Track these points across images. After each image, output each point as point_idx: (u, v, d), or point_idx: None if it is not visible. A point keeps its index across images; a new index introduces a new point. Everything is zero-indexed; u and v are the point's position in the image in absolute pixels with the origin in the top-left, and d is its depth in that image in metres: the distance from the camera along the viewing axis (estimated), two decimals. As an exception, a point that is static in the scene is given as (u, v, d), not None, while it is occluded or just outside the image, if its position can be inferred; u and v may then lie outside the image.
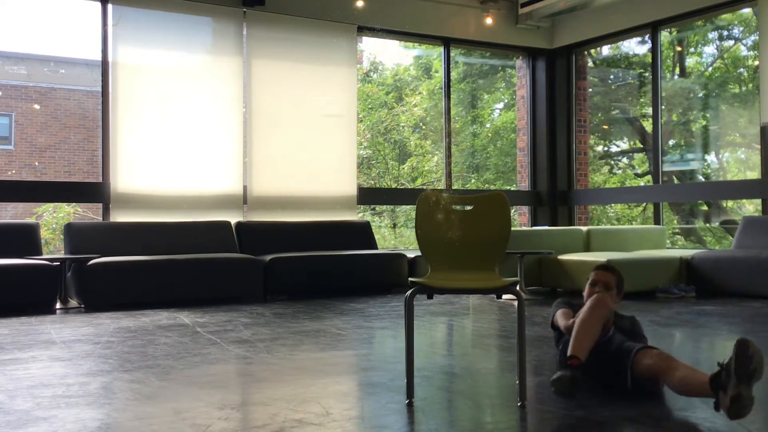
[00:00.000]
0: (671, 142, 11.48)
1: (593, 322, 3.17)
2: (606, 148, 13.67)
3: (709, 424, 2.66)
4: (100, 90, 7.66)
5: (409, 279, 3.13)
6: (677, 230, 12.02)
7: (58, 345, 4.49)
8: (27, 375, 3.59)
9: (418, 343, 4.72)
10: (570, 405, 2.94)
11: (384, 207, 14.04)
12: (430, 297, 3.10)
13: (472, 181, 14.66)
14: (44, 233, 11.86)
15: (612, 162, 13.81)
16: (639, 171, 13.30)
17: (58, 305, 6.51)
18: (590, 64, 11.53)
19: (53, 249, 12.19)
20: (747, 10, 9.57)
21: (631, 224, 12.64)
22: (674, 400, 2.98)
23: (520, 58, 10.45)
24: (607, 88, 12.82)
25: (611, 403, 2.95)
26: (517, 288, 3.30)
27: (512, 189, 11.90)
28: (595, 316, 3.19)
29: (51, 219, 12.80)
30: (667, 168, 10.16)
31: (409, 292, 2.99)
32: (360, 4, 8.67)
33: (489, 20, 9.51)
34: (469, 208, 3.37)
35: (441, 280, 3.14)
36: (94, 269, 6.44)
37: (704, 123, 11.63)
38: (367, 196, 9.26)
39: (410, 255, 8.13)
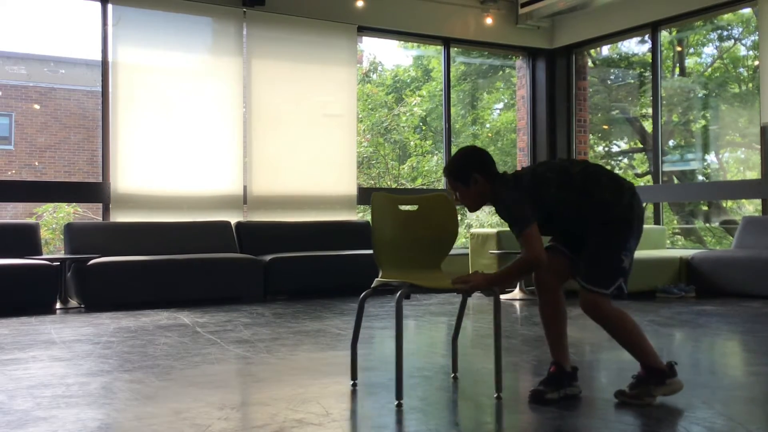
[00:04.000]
0: (671, 142, 11.48)
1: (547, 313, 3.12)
2: (606, 148, 13.67)
3: (709, 424, 2.66)
4: (100, 90, 7.66)
5: (377, 279, 3.14)
6: (677, 230, 12.02)
7: (58, 345, 4.49)
8: (27, 375, 3.59)
9: (418, 343, 4.73)
10: (571, 405, 2.94)
11: (384, 207, 13.97)
12: (407, 297, 3.10)
13: (473, 180, 14.64)
14: (44, 233, 11.85)
15: (612, 162, 13.80)
16: (639, 171, 13.29)
17: (58, 305, 6.51)
18: (590, 64, 11.53)
19: (53, 249, 12.18)
20: (747, 10, 9.57)
21: (631, 224, 12.63)
22: (674, 399, 2.98)
23: (520, 58, 10.45)
24: (607, 88, 12.81)
25: (611, 404, 2.95)
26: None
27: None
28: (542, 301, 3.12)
29: (51, 219, 12.79)
30: (667, 168, 10.15)
31: (398, 294, 2.96)
32: (360, 4, 8.67)
33: (489, 20, 9.51)
34: (413, 208, 3.42)
35: (409, 279, 3.11)
36: (94, 269, 6.44)
37: (704, 123, 11.63)
38: (367, 196, 9.25)
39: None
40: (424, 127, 15.09)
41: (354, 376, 3.35)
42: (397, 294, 2.95)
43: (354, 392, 3.24)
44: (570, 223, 3.06)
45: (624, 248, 2.98)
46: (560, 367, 3.06)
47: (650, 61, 9.31)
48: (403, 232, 3.34)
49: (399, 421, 2.78)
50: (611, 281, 2.95)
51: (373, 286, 3.15)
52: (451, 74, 10.33)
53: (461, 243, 11.36)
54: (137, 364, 3.84)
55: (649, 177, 11.69)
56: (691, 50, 12.56)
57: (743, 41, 11.81)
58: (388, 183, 14.38)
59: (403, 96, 15.28)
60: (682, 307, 6.30)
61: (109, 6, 7.54)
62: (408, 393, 3.16)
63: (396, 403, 2.93)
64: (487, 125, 15.31)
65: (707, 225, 12.06)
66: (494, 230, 7.66)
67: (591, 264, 3.00)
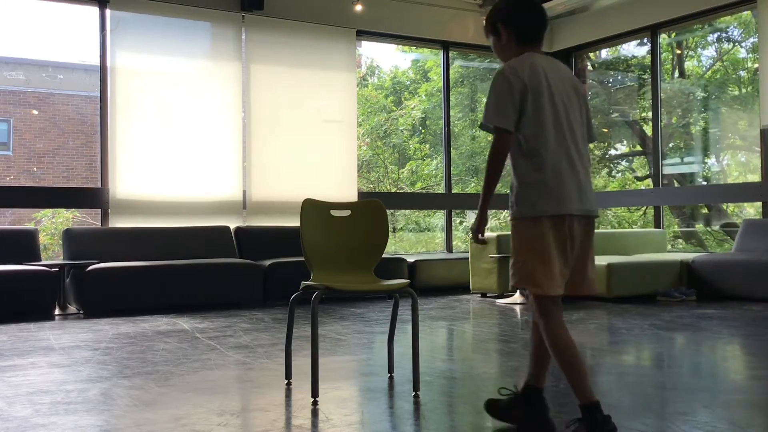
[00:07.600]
0: (671, 145, 11.48)
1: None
2: (605, 152, 13.66)
3: (711, 428, 2.64)
4: (99, 95, 7.65)
5: (303, 282, 3.27)
6: (678, 233, 12.01)
7: (57, 351, 4.47)
8: (26, 381, 3.58)
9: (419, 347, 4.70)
10: (570, 410, 2.92)
11: (383, 211, 13.95)
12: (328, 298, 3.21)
13: (472, 184, 14.64)
14: (43, 239, 11.84)
15: (612, 165, 13.79)
16: (639, 174, 13.28)
17: (56, 311, 6.49)
18: (589, 67, 11.53)
19: (52, 255, 12.17)
20: (746, 13, 9.57)
21: (632, 228, 12.63)
22: (675, 403, 2.96)
23: (519, 61, 10.44)
24: (607, 90, 12.81)
25: (612, 409, 2.94)
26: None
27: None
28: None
29: (50, 225, 12.77)
30: (667, 171, 10.14)
31: (313, 296, 3.07)
32: (359, 8, 8.67)
33: (488, 24, 9.49)
34: (346, 214, 3.53)
35: (332, 282, 3.21)
36: (92, 275, 6.42)
37: (704, 126, 11.62)
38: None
39: (410, 259, 8.11)
40: (423, 131, 15.08)
41: (288, 376, 3.51)
42: (313, 296, 3.06)
43: (351, 397, 3.23)
44: None
45: None
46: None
47: (649, 63, 9.31)
48: (335, 237, 3.47)
49: (399, 426, 2.76)
50: None
51: (300, 288, 3.30)
52: (450, 77, 10.32)
53: (461, 247, 11.35)
54: (136, 370, 3.83)
55: (649, 180, 11.69)
56: (690, 53, 12.56)
57: (743, 44, 11.82)
58: (388, 187, 14.37)
59: (402, 99, 15.28)
60: (683, 310, 6.28)
61: (108, 11, 7.54)
62: (408, 398, 3.15)
63: (312, 400, 3.07)
64: (487, 128, 15.26)
65: (708, 228, 12.05)
66: (494, 234, 7.65)
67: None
